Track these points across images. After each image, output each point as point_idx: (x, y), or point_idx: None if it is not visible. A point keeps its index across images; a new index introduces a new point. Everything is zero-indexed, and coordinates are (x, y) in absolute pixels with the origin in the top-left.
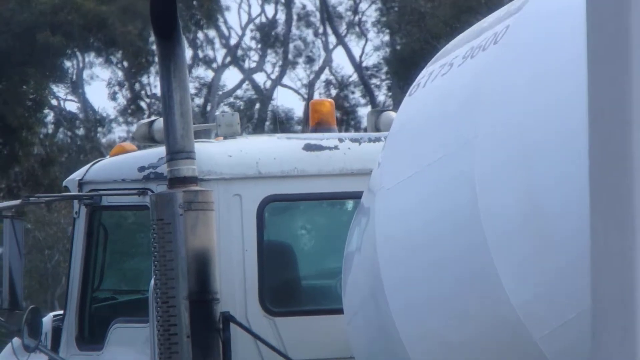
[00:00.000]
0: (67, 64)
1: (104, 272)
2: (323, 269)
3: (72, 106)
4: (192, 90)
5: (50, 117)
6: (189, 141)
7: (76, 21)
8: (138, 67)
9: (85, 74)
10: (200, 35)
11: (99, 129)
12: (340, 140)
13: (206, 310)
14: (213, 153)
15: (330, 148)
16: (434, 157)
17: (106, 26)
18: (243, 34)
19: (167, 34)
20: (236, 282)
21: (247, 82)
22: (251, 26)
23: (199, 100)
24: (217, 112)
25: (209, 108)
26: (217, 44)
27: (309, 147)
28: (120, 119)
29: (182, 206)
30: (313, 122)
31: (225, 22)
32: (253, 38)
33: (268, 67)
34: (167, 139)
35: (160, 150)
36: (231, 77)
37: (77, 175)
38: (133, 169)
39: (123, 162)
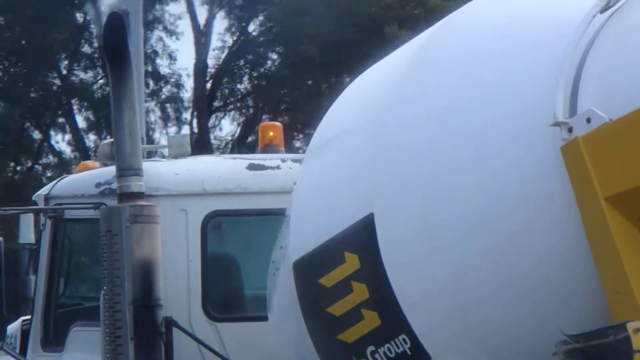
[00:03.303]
0: None
1: (67, 279)
2: (262, 279)
3: None
4: None
5: None
6: (137, 159)
7: (422, 15)
8: None
9: None
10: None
11: None
12: (283, 160)
13: (149, 315)
14: (161, 171)
15: (272, 167)
16: None
17: None
18: None
19: (119, 61)
20: (181, 290)
21: None
22: None
23: None
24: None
25: None
26: None
27: (252, 167)
28: None
29: (129, 219)
30: (262, 143)
31: None
32: None
33: None
34: (117, 157)
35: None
36: None
37: (44, 190)
38: (91, 185)
39: (84, 178)
